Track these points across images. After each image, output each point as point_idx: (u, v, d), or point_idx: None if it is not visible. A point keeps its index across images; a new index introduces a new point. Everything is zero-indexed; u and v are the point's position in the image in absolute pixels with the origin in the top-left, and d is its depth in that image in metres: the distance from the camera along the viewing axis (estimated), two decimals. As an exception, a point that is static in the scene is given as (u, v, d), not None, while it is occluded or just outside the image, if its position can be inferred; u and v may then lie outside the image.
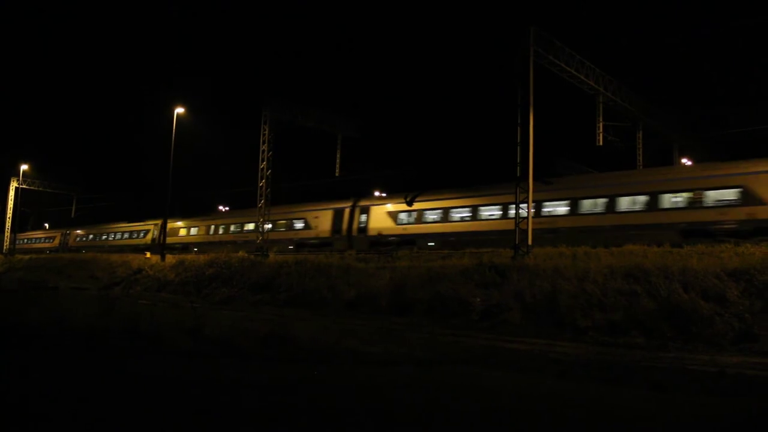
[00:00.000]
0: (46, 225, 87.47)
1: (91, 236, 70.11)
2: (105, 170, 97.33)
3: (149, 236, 58.13)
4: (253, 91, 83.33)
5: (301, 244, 41.68)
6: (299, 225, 43.49)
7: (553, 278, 18.52)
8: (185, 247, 51.49)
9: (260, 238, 38.26)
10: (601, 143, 32.84)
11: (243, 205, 48.88)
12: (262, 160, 37.96)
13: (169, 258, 39.25)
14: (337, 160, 43.85)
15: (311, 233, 42.09)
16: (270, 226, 39.85)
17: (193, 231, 54.25)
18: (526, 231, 23.96)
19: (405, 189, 37.31)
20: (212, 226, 52.22)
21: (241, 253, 34.98)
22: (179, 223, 55.42)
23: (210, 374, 10.26)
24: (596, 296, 17.00)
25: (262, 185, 38.09)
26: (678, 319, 15.09)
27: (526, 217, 24.15)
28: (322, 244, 39.96)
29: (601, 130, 32.60)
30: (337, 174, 44.17)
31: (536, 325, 17.28)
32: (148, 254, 44.24)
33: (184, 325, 14.04)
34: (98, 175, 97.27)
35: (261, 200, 38.19)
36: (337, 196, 43.05)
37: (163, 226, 45.86)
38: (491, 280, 20.11)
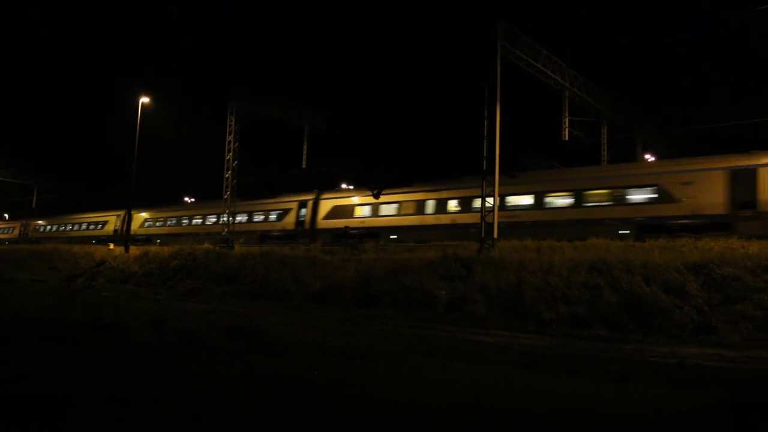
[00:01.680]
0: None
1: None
2: (69, 160, 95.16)
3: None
4: (219, 83, 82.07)
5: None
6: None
7: (518, 271, 18.64)
8: (148, 238, 50.85)
9: (226, 229, 37.94)
10: (566, 138, 33.21)
11: (209, 197, 48.40)
12: (228, 151, 37.66)
13: (134, 249, 38.66)
14: (304, 152, 43.65)
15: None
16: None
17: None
18: (492, 224, 24.12)
19: (373, 181, 37.31)
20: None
21: (206, 245, 34.61)
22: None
23: (172, 367, 10.14)
24: (560, 289, 17.16)
25: (228, 176, 37.80)
26: (640, 311, 15.30)
27: (492, 210, 24.31)
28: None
29: (566, 125, 32.96)
30: (303, 166, 43.97)
31: (501, 318, 17.37)
32: (112, 245, 43.53)
33: (147, 317, 13.88)
34: (62, 165, 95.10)
35: (227, 192, 37.89)
36: (304, 188, 42.91)
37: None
38: (457, 272, 20.17)
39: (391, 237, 33.30)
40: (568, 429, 6.80)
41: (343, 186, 44.14)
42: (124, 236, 44.69)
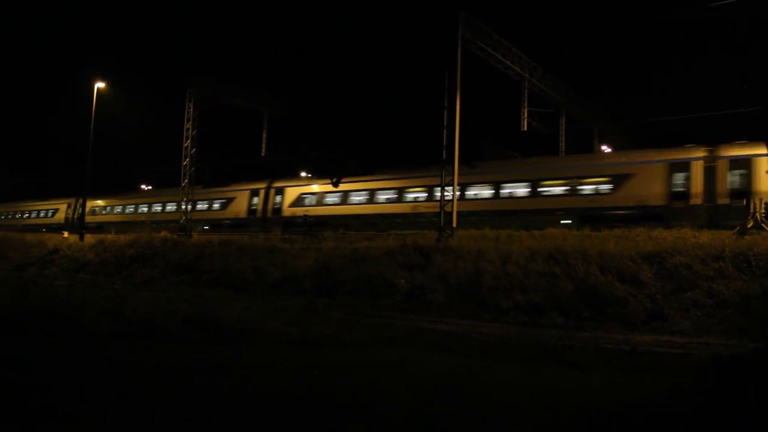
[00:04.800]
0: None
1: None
2: (20, 148, 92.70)
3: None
4: (177, 68, 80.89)
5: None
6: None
7: (476, 260, 18.79)
8: (100, 226, 49.86)
9: (183, 217, 37.44)
10: (525, 128, 33.55)
11: (168, 184, 47.76)
12: (186, 138, 37.13)
13: (89, 238, 37.85)
14: (263, 140, 43.37)
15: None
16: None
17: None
18: (451, 213, 24.28)
19: (330, 171, 37.36)
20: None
21: (163, 233, 34.08)
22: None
23: (130, 356, 9.99)
24: (518, 278, 17.35)
25: (186, 164, 37.27)
26: (595, 300, 15.55)
27: (451, 200, 24.47)
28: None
29: (525, 115, 33.29)
30: (263, 154, 43.67)
31: (460, 306, 17.49)
32: (66, 234, 42.56)
33: (104, 306, 13.59)
34: (12, 153, 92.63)
35: (185, 179, 37.38)
36: (262, 176, 42.78)
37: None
38: (416, 261, 20.24)
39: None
40: (522, 416, 6.89)
41: (303, 174, 43.93)
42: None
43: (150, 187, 58.94)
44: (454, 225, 24.08)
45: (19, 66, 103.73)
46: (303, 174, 43.57)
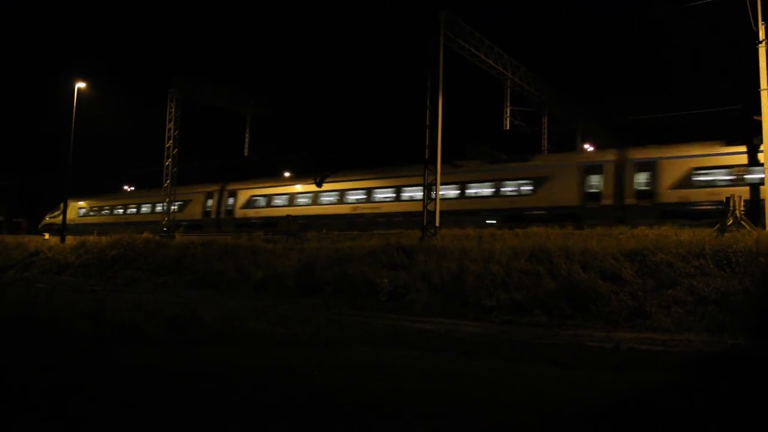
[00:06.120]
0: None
1: None
2: (3, 148, 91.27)
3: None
4: (160, 69, 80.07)
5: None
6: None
7: (459, 259, 18.80)
8: (80, 229, 49.37)
9: (166, 218, 37.23)
10: (508, 128, 33.62)
11: (151, 186, 47.41)
12: (168, 139, 36.88)
13: (70, 239, 37.52)
14: (246, 141, 43.23)
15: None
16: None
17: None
18: (434, 212, 24.31)
19: (315, 170, 37.46)
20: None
21: (146, 234, 33.86)
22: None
23: (110, 358, 9.89)
24: (501, 277, 17.38)
25: (168, 164, 37.03)
26: (577, 298, 15.62)
27: (434, 199, 24.49)
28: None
29: (508, 114, 33.35)
30: (245, 154, 43.54)
31: (443, 306, 17.49)
32: (47, 235, 42.22)
33: (84, 308, 13.44)
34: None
35: (167, 180, 37.15)
36: (247, 176, 43.22)
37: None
38: (399, 261, 20.24)
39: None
40: (501, 414, 6.88)
41: (286, 174, 43.77)
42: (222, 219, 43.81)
43: (133, 188, 58.46)
44: (437, 224, 24.10)
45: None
46: (286, 174, 43.51)
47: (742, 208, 20.27)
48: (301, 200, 37.37)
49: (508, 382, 8.68)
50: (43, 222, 55.15)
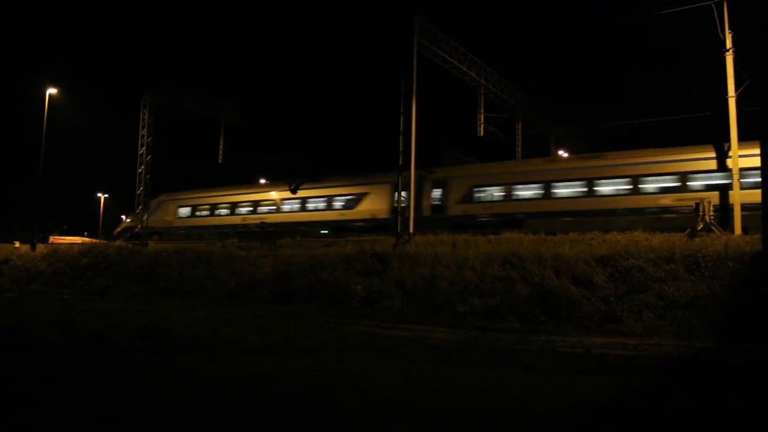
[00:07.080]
0: None
1: None
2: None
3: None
4: (133, 76, 79.28)
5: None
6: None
7: (433, 265, 18.78)
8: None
9: (139, 225, 36.81)
10: (482, 134, 33.83)
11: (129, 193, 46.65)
12: (142, 146, 36.52)
13: (40, 247, 36.93)
14: (221, 147, 43.04)
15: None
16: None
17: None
18: (408, 219, 24.33)
19: (289, 176, 37.38)
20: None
21: (118, 242, 33.45)
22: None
23: (77, 367, 9.70)
24: (474, 282, 17.38)
25: (142, 171, 36.64)
26: (550, 303, 15.67)
27: (408, 205, 24.53)
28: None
29: (482, 121, 33.56)
30: (220, 161, 43.32)
31: (417, 312, 17.45)
32: (17, 243, 41.49)
33: (53, 317, 13.19)
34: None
35: (140, 187, 36.74)
36: (221, 183, 42.66)
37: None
38: (373, 267, 20.18)
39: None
40: (470, 419, 6.86)
41: (262, 181, 43.49)
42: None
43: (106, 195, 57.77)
44: (411, 230, 24.10)
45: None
46: (262, 180, 43.22)
47: (712, 213, 20.55)
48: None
49: (478, 388, 8.65)
50: (119, 227, 47.01)
